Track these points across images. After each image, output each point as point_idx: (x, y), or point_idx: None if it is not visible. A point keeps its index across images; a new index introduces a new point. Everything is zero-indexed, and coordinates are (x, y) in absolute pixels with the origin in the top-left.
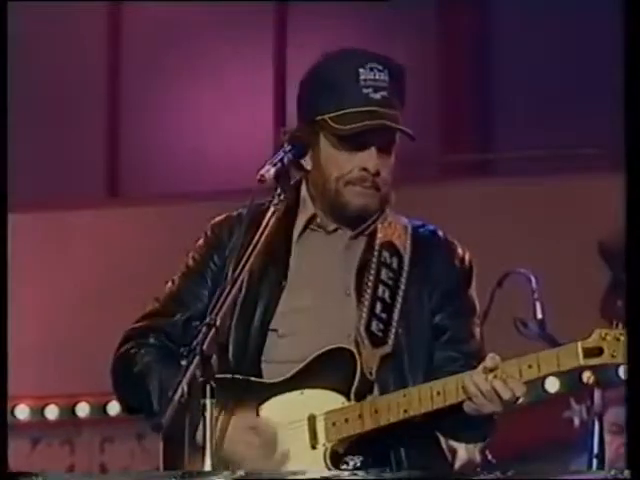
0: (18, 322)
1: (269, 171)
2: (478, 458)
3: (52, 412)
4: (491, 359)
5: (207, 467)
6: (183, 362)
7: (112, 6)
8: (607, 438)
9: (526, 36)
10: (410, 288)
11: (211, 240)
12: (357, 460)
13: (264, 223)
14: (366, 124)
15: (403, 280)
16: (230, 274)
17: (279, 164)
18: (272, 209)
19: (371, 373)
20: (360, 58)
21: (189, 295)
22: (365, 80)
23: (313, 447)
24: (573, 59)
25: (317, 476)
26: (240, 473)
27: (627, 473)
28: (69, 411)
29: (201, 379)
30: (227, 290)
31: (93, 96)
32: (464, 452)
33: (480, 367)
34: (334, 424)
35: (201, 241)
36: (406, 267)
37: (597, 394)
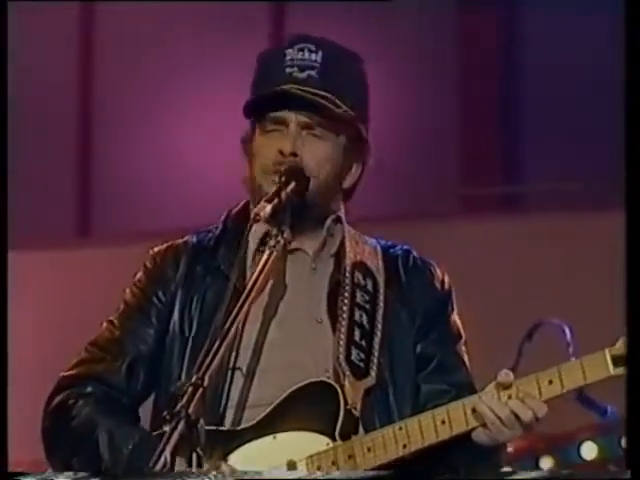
0: None
1: (265, 208)
2: None
3: None
4: (505, 375)
5: None
6: (166, 427)
7: (84, 6)
8: None
9: (555, 59)
10: (389, 312)
11: (153, 273)
12: None
13: (259, 268)
14: (265, 93)
15: (380, 303)
16: (218, 327)
17: (276, 200)
18: (268, 252)
19: (355, 408)
20: (293, 40)
21: (131, 336)
22: (292, 60)
23: None
24: (607, 84)
25: (317, 476)
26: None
27: (627, 473)
28: None
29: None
30: (216, 345)
31: (62, 123)
32: None
33: (490, 386)
34: (319, 469)
35: (141, 274)
36: (381, 289)
37: None
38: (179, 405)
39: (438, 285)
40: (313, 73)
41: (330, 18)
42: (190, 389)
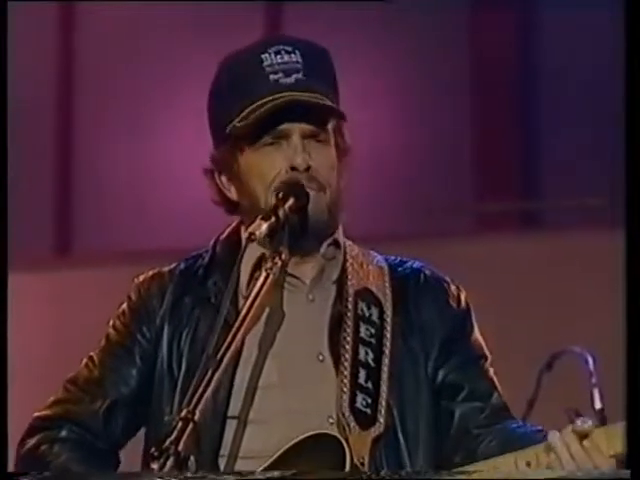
0: None
1: (261, 227)
2: None
3: None
4: (583, 422)
5: None
6: (154, 465)
7: (62, 6)
8: None
9: (577, 71)
10: (397, 344)
11: (137, 305)
12: None
13: (253, 294)
14: (269, 106)
15: (387, 335)
16: (210, 356)
17: (273, 218)
18: (264, 275)
19: (363, 463)
20: (263, 44)
21: (112, 376)
22: (271, 65)
23: None
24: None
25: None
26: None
27: (627, 473)
28: None
29: None
30: (208, 376)
31: (41, 136)
32: None
33: (569, 428)
34: None
35: (124, 307)
36: (389, 318)
37: None
38: (168, 441)
39: (453, 304)
40: (300, 76)
41: (332, 19)
42: (180, 424)
